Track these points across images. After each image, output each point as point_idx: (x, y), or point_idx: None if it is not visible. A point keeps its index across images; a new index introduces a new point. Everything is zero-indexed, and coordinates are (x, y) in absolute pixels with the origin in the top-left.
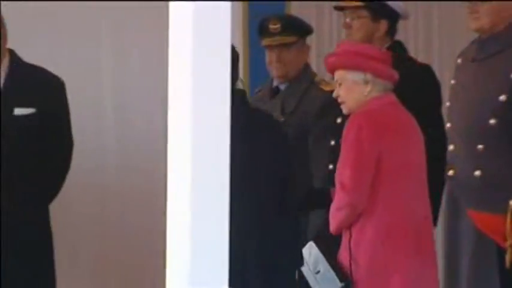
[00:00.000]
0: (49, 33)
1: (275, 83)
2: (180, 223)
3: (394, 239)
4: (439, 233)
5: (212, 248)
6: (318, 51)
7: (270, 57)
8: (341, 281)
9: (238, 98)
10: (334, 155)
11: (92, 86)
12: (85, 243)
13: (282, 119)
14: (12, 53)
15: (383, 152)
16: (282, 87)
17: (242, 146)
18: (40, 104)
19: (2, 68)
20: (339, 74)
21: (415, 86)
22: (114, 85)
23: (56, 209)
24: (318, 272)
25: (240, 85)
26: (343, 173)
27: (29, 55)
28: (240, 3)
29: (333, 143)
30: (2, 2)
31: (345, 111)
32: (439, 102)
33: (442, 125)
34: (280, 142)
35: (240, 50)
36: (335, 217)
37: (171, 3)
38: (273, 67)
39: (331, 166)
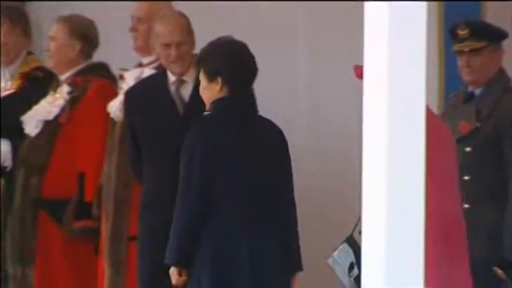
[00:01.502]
0: (243, 33)
1: (469, 88)
2: (376, 224)
3: (428, 240)
4: None
5: (407, 248)
6: None
7: (460, 62)
8: None
9: None
10: None
11: (287, 86)
12: None
13: (477, 124)
14: None
15: None
16: (477, 92)
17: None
18: None
19: (189, 75)
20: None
21: None
22: (308, 85)
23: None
24: (352, 273)
25: None
26: None
27: None
28: (435, 3)
29: None
30: (187, 3)
31: None
32: None
33: None
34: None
35: (435, 51)
36: None
37: (366, 3)
38: (464, 72)
39: None
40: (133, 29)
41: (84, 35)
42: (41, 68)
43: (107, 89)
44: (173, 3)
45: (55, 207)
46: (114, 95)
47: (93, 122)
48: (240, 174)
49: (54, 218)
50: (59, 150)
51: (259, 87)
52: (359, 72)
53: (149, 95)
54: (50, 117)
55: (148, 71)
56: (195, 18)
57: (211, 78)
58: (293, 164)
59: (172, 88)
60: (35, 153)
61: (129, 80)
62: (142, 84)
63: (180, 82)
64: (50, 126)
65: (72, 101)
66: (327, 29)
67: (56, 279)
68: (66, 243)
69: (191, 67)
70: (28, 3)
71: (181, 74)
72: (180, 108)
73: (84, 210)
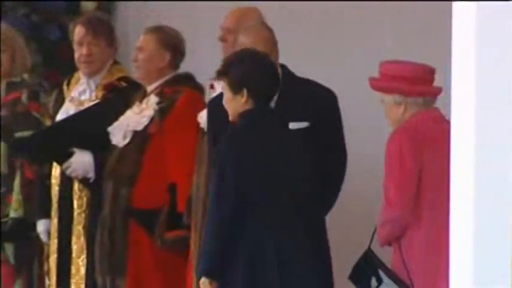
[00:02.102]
0: (329, 35)
1: None
2: (463, 225)
3: (440, 250)
4: None
5: (495, 248)
6: None
7: None
8: None
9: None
10: None
11: (372, 96)
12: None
13: None
14: (284, 68)
15: (424, 165)
16: None
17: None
18: (314, 118)
19: None
20: (380, 96)
21: None
22: None
23: (337, 217)
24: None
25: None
26: (388, 188)
27: (307, 67)
28: None
29: None
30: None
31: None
32: None
33: None
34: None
35: None
36: (381, 231)
37: (454, 3)
38: None
39: None
40: (222, 39)
41: (173, 45)
42: (125, 78)
43: (196, 100)
44: (265, 8)
45: (146, 218)
46: (203, 105)
47: (183, 133)
48: (273, 185)
49: (145, 229)
50: (149, 161)
51: (346, 90)
52: (374, 84)
53: None
54: (140, 127)
55: None
56: (283, 21)
57: (236, 90)
58: (379, 174)
59: None
60: (125, 164)
61: (219, 89)
62: None
63: None
64: (140, 137)
65: (162, 112)
66: (414, 29)
67: None
68: (157, 253)
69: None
70: (115, 11)
71: None
72: None
73: (175, 220)
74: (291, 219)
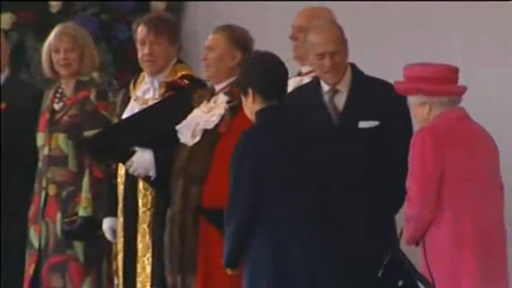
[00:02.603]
0: (398, 32)
1: None
2: None
3: (462, 247)
4: None
5: None
6: None
7: None
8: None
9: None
10: None
11: None
12: None
13: None
14: (353, 67)
15: (447, 164)
16: None
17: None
18: (383, 116)
19: (343, 84)
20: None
21: None
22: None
23: None
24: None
25: None
26: (410, 186)
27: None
28: None
29: None
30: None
31: None
32: None
33: None
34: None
35: None
36: (406, 229)
37: None
38: None
39: None
40: (293, 38)
41: (243, 44)
42: (187, 76)
43: None
44: (335, 7)
45: (217, 216)
46: None
47: None
48: (291, 184)
49: (216, 227)
50: (219, 160)
51: None
52: (399, 86)
53: (303, 104)
54: (210, 126)
55: (307, 80)
56: (352, 20)
57: (244, 93)
58: None
59: (326, 97)
60: (195, 163)
61: (290, 89)
62: (295, 94)
63: (334, 92)
64: (210, 136)
65: (232, 111)
66: (482, 29)
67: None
68: None
69: (348, 71)
70: (184, 10)
71: (335, 83)
72: (334, 117)
73: None
74: (315, 220)
